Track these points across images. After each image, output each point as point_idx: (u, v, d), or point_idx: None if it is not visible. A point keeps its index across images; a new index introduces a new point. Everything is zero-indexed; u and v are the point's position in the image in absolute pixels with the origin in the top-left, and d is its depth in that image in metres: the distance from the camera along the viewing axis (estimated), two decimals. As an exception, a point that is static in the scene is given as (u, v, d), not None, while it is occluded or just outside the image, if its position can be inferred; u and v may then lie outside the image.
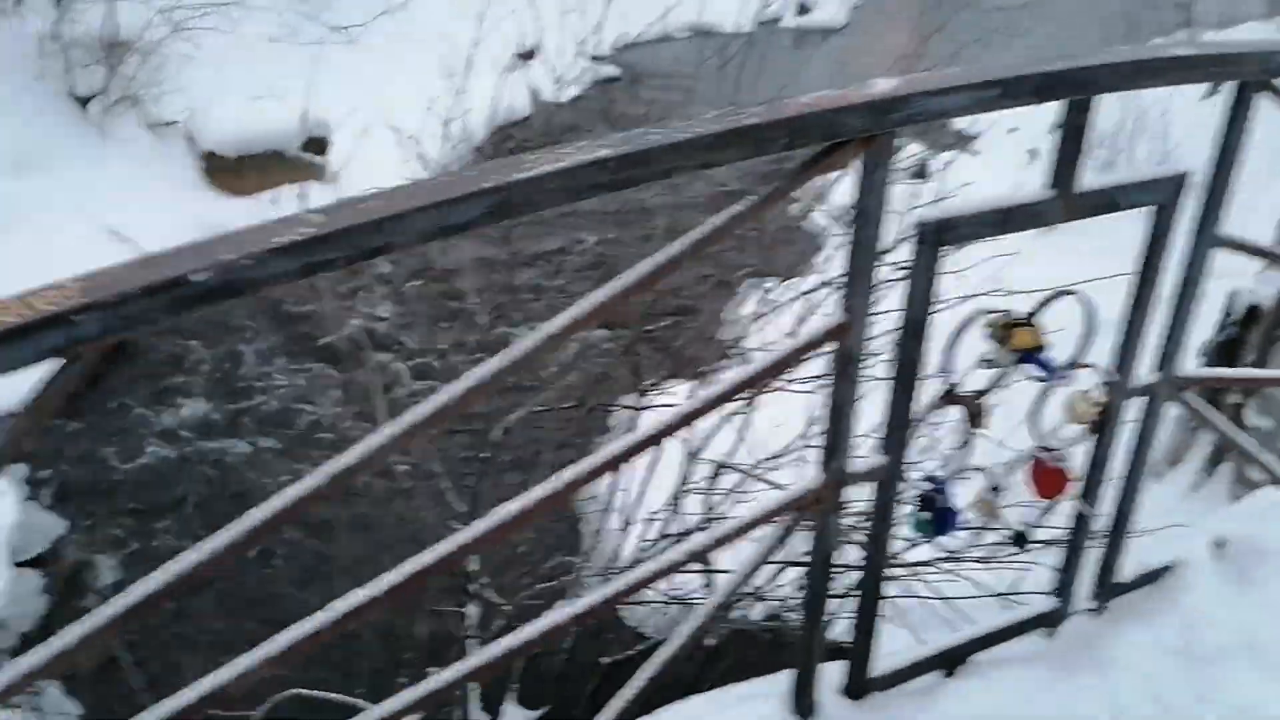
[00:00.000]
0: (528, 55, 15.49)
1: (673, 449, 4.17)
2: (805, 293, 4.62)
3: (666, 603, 4.01)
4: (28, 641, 6.13)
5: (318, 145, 11.23)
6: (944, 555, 2.99)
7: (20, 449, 1.36)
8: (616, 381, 9.01)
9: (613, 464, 1.93)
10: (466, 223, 1.58)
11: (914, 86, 1.78)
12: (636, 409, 4.50)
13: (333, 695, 3.70)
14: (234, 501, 7.03)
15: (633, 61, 16.36)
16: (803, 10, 18.74)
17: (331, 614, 1.72)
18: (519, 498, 1.83)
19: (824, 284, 4.26)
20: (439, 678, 1.87)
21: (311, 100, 11.61)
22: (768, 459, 3.99)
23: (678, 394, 5.36)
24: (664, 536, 4.04)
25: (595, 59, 16.18)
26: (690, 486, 4.04)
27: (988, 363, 2.18)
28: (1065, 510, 2.49)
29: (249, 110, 11.05)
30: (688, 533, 3.99)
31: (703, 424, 3.89)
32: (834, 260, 9.71)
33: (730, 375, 2.05)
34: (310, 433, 7.86)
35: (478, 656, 1.91)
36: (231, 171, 10.73)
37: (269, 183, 10.88)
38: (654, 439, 1.94)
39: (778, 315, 4.72)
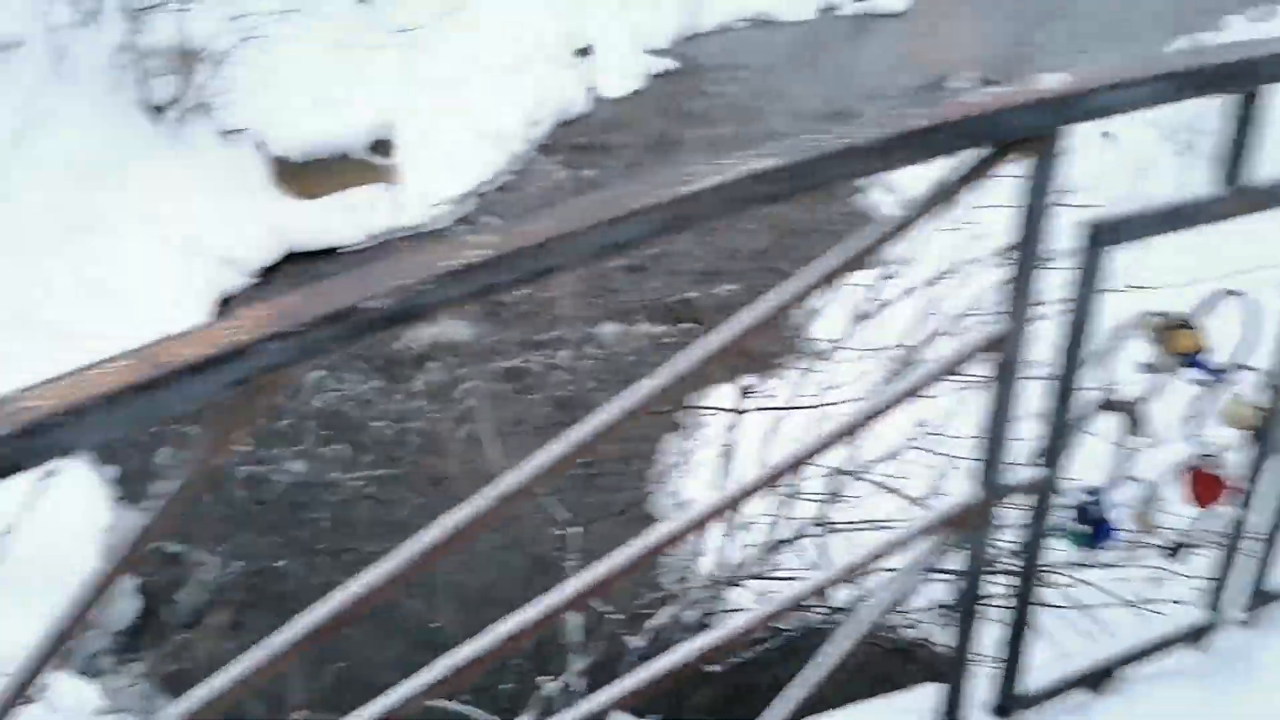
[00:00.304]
0: (585, 51, 15.47)
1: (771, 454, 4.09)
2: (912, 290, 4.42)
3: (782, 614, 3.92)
4: (120, 642, 6.23)
5: (384, 147, 11.28)
6: (1095, 566, 2.88)
7: (206, 481, 1.34)
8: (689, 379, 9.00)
9: (754, 489, 1.86)
10: (631, 241, 1.52)
11: (1087, 82, 1.69)
12: (734, 410, 4.39)
13: (476, 712, 3.66)
14: (343, 525, 7.00)
15: (692, 54, 16.23)
16: (862, -3, 18.46)
17: (492, 637, 1.68)
18: (648, 532, 1.78)
19: (938, 278, 4.08)
20: (593, 700, 1.82)
21: (377, 103, 11.69)
22: (885, 463, 3.88)
23: (748, 390, 5.26)
24: (779, 543, 3.96)
25: (653, 53, 16.14)
26: (803, 493, 3.95)
27: (1147, 367, 2.08)
28: (1218, 518, 2.38)
29: (316, 114, 11.13)
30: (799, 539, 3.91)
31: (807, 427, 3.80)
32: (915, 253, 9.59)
33: (890, 386, 1.96)
34: (420, 455, 7.54)
35: (630, 679, 1.85)
36: (300, 176, 10.82)
37: (337, 185, 10.95)
38: (804, 459, 1.87)
39: (867, 309, 4.56)
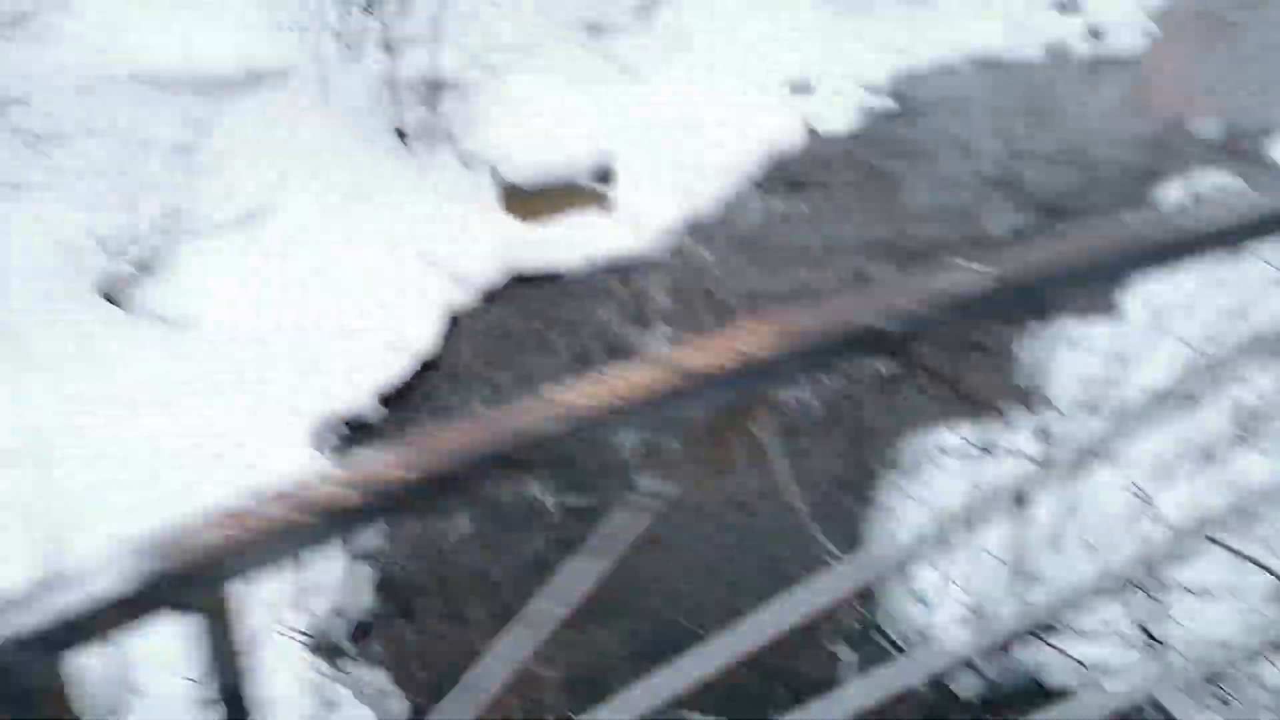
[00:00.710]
0: (803, 88, 15.41)
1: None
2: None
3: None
4: (360, 632, 6.49)
5: (605, 176, 11.57)
6: None
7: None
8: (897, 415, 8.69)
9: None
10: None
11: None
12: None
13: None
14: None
15: (911, 92, 15.91)
16: (1093, 36, 17.65)
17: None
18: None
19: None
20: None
21: (601, 133, 12.00)
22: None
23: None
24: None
25: (871, 90, 15.92)
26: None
27: None
28: None
29: (546, 144, 11.55)
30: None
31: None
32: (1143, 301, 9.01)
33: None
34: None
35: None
36: (527, 201, 11.22)
37: (560, 211, 11.32)
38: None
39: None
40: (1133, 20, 17.98)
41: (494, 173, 11.40)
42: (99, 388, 6.97)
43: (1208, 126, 13.73)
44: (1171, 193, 11.24)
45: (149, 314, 7.89)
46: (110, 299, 7.93)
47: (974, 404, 8.23)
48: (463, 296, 10.11)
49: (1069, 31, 18.08)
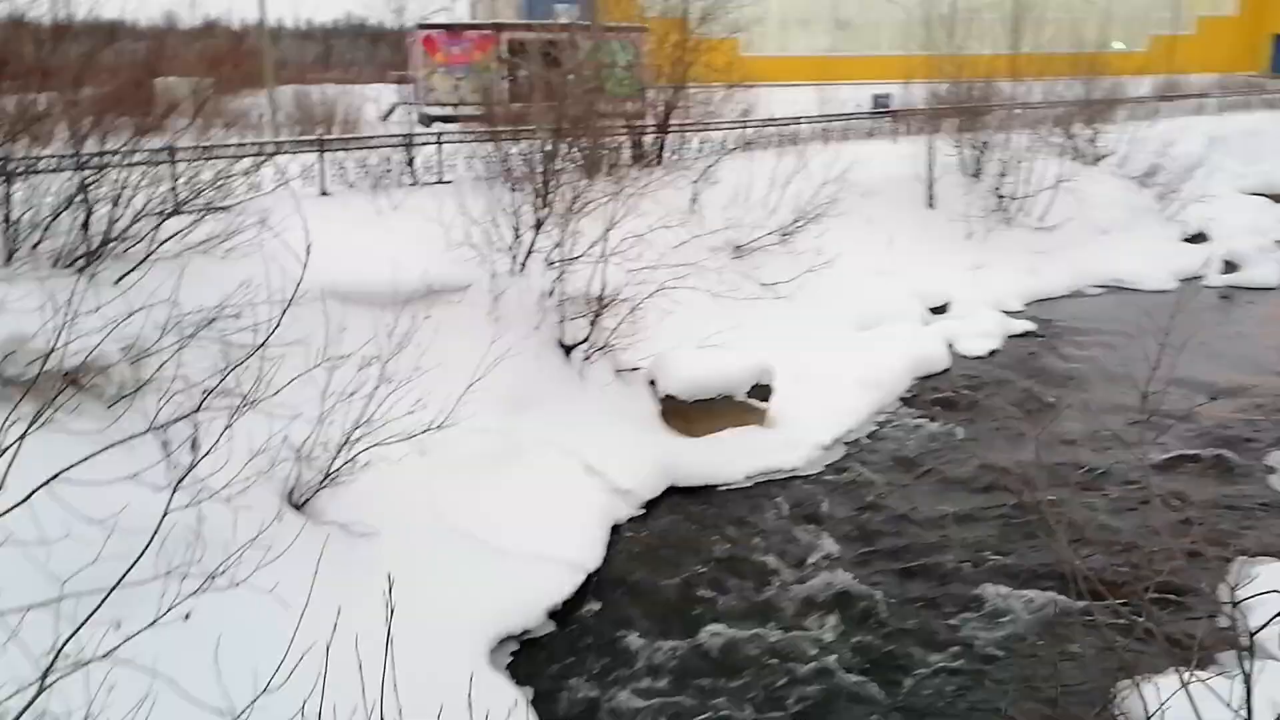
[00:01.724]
0: (941, 309, 15.22)
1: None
2: None
3: None
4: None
5: (761, 392, 11.29)
6: None
7: None
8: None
9: None
10: None
11: None
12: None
13: None
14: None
15: (1046, 316, 15.55)
16: (1229, 268, 17.24)
17: None
18: None
19: None
20: None
21: (756, 350, 11.83)
22: None
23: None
24: None
25: (1008, 313, 15.64)
26: None
27: None
28: None
29: (701, 358, 11.37)
30: None
31: None
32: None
33: None
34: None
35: None
36: (685, 414, 10.96)
37: (716, 425, 11.00)
38: None
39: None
40: (1269, 252, 17.56)
41: (653, 385, 11.23)
42: (267, 585, 6.65)
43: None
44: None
45: (332, 522, 7.68)
46: (297, 506, 7.75)
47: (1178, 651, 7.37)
48: (625, 507, 9.72)
49: (1199, 261, 17.72)
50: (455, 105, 19.64)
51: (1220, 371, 12.84)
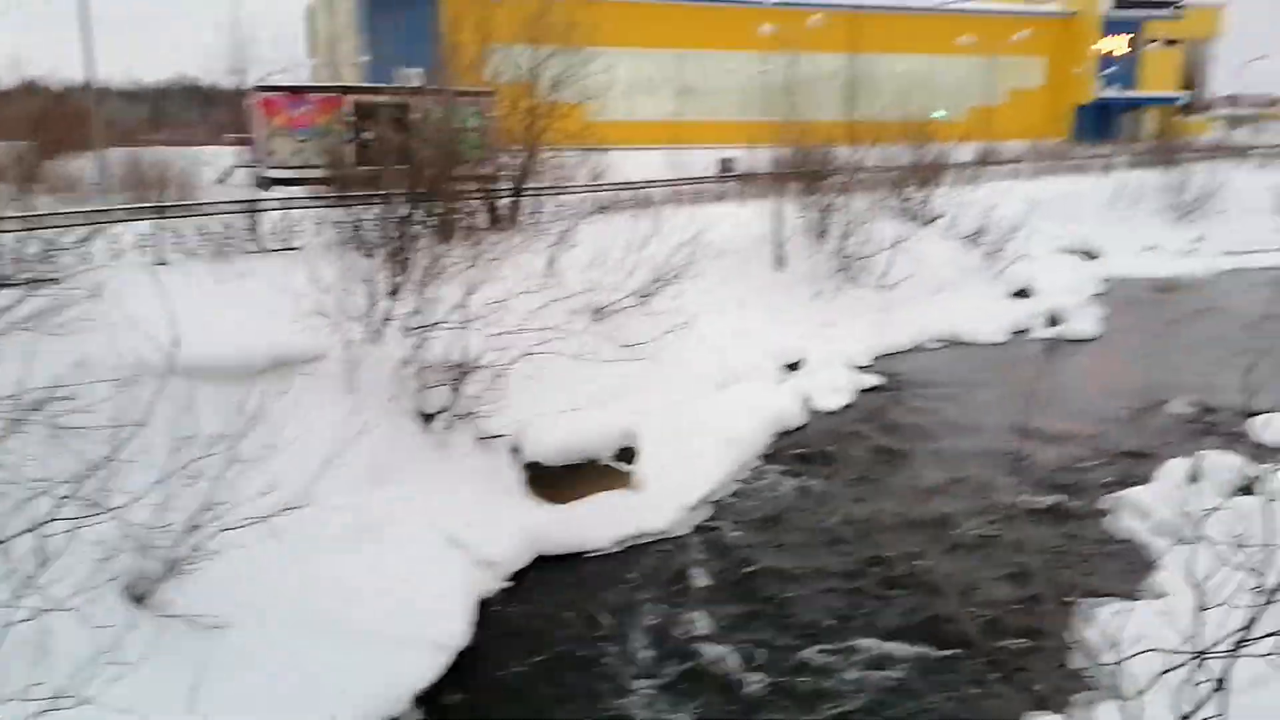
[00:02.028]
0: (795, 366, 15.65)
1: None
2: None
3: None
4: None
5: (627, 455, 11.28)
6: None
7: None
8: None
9: None
10: None
11: None
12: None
13: None
14: None
15: (893, 370, 16.25)
16: (1052, 322, 18.48)
17: None
18: None
19: None
20: None
21: (619, 412, 11.85)
22: None
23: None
24: None
25: (858, 368, 16.24)
26: None
27: None
28: None
29: (565, 423, 11.29)
30: None
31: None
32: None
33: None
34: None
35: None
36: (550, 479, 10.82)
37: (582, 490, 10.91)
38: None
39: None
40: (1085, 307, 18.94)
41: (516, 453, 11.06)
42: (117, 698, 6.13)
43: (1182, 406, 14.07)
44: (1172, 470, 11.24)
45: (177, 615, 7.15)
46: (138, 599, 7.19)
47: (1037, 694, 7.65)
48: (491, 580, 9.45)
49: (1025, 316, 18.94)
50: (298, 169, 19.13)
51: (1053, 419, 13.63)
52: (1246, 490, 10.14)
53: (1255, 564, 5.07)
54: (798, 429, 13.88)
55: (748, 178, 23.30)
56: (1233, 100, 68.00)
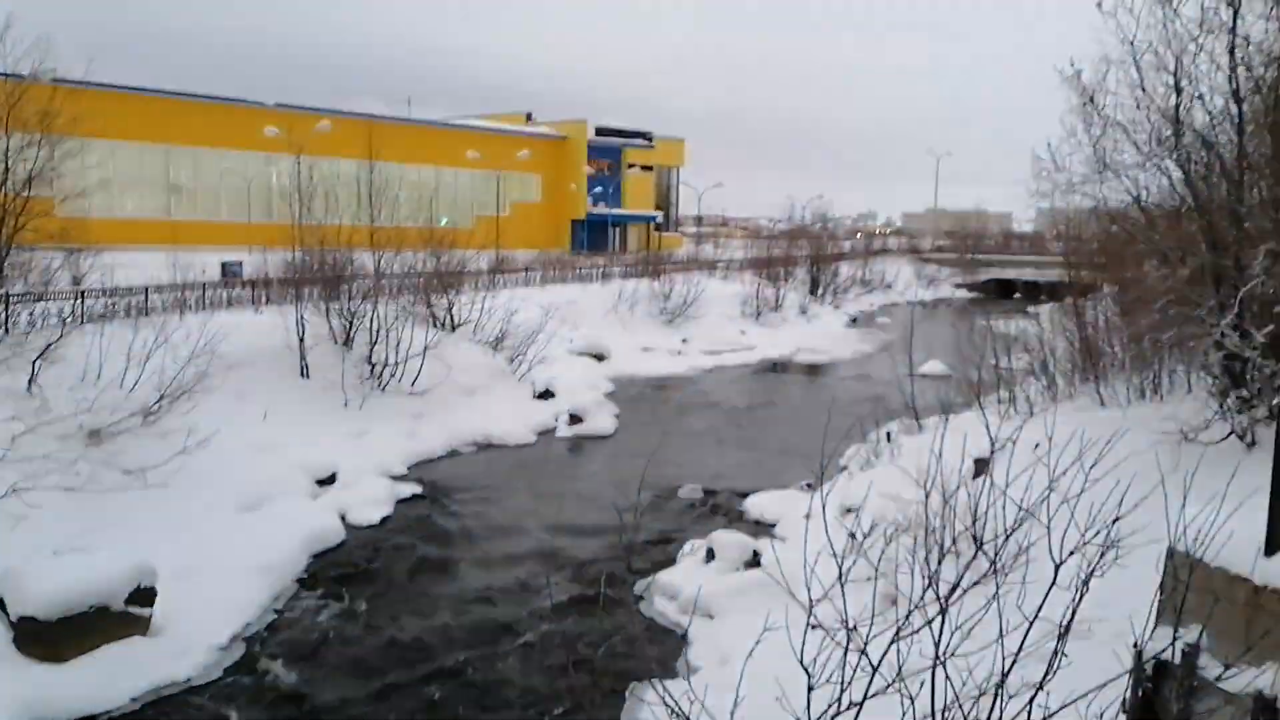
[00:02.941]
0: (328, 480, 15.11)
1: None
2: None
3: None
4: None
5: (144, 596, 10.03)
6: None
7: None
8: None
9: None
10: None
11: None
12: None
13: None
14: None
15: (430, 477, 16.35)
16: (574, 420, 19.89)
17: None
18: None
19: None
20: None
21: (129, 548, 10.58)
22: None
23: None
24: None
25: (393, 478, 16.09)
26: None
27: None
28: None
29: (63, 567, 9.79)
30: None
31: None
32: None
33: None
34: None
35: None
36: (48, 635, 9.22)
37: (90, 644, 9.46)
38: None
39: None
40: (601, 405, 20.72)
41: (2, 608, 9.37)
42: None
43: (691, 492, 15.91)
44: (690, 549, 12.61)
45: None
46: None
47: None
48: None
49: (550, 416, 20.25)
50: None
51: (585, 513, 14.64)
52: (753, 564, 11.72)
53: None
54: (337, 546, 13.38)
55: (256, 283, 22.42)
56: (698, 220, 80.00)
